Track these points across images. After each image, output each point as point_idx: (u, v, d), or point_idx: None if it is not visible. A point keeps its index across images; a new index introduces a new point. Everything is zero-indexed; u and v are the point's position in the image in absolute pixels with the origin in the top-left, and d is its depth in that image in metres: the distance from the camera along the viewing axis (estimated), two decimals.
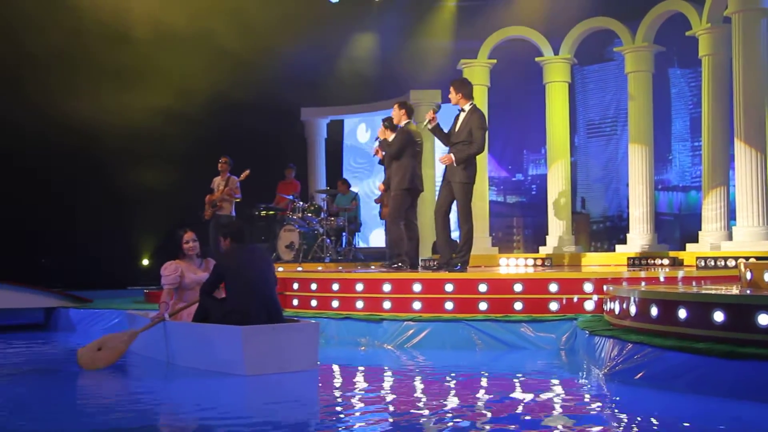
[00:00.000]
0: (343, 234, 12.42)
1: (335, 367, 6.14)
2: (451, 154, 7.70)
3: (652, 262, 9.72)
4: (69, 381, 5.71)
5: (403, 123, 8.47)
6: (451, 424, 4.13)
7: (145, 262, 13.99)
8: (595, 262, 10.62)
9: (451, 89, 7.86)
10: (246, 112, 13.16)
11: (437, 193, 8.58)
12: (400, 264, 8.35)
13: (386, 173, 8.88)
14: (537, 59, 11.85)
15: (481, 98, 11.96)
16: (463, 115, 7.78)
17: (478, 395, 4.96)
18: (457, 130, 7.75)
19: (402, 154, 8.30)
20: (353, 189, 13.09)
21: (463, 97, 7.79)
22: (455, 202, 7.82)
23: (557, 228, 11.58)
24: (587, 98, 13.81)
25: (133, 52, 11.62)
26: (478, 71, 11.93)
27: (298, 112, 15.78)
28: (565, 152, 11.65)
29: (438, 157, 13.76)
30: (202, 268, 6.65)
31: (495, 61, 11.91)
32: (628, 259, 10.11)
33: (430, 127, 7.84)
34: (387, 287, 7.53)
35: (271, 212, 12.73)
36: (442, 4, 14.14)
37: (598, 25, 11.56)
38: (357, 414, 4.42)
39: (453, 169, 7.72)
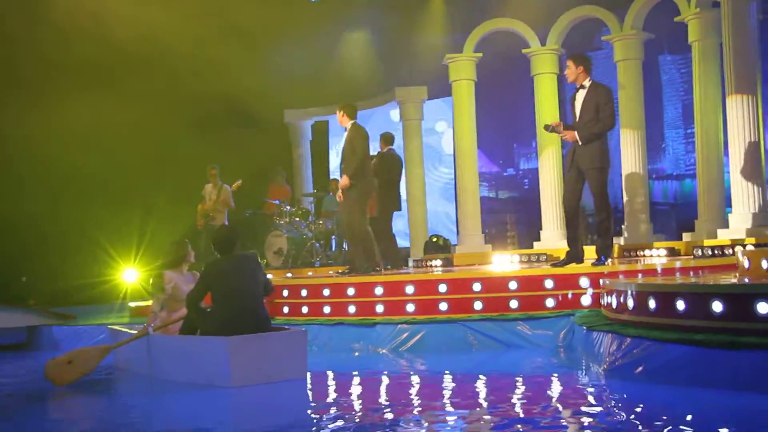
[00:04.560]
0: (333, 237, 12.21)
1: (329, 374, 5.98)
2: (575, 132, 7.10)
3: (649, 253, 9.56)
4: (50, 400, 5.53)
5: (348, 125, 8.25)
6: (450, 428, 3.98)
7: (128, 275, 13.69)
8: (591, 256, 10.42)
9: (570, 64, 7.22)
10: (230, 116, 12.97)
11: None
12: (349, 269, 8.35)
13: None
14: (524, 51, 11.69)
15: (468, 92, 11.81)
16: (583, 93, 7.19)
17: (476, 397, 4.82)
18: (580, 110, 7.17)
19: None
20: None
21: (584, 71, 7.19)
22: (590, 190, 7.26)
23: (551, 222, 11.41)
24: None
25: (113, 56, 11.38)
26: (464, 65, 11.77)
27: (282, 114, 15.54)
28: (555, 145, 11.48)
29: (423, 156, 13.63)
30: (193, 281, 6.50)
31: (481, 54, 11.75)
32: (624, 251, 9.95)
33: (561, 133, 7.35)
34: (379, 290, 7.36)
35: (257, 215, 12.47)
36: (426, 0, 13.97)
37: (585, 14, 11.39)
38: (351, 422, 4.23)
39: (584, 155, 7.08)
